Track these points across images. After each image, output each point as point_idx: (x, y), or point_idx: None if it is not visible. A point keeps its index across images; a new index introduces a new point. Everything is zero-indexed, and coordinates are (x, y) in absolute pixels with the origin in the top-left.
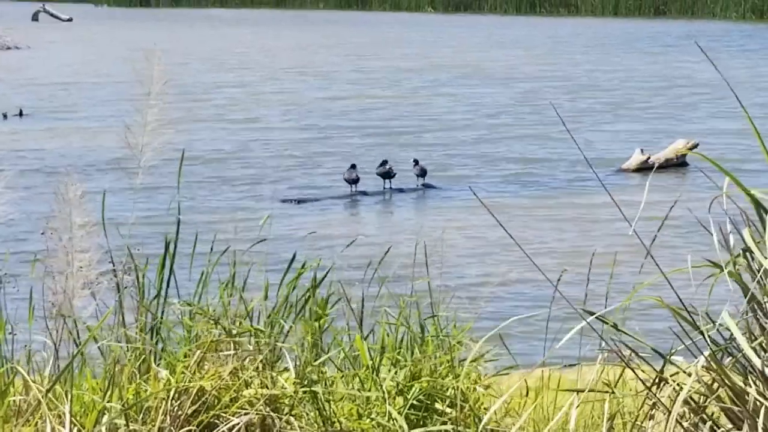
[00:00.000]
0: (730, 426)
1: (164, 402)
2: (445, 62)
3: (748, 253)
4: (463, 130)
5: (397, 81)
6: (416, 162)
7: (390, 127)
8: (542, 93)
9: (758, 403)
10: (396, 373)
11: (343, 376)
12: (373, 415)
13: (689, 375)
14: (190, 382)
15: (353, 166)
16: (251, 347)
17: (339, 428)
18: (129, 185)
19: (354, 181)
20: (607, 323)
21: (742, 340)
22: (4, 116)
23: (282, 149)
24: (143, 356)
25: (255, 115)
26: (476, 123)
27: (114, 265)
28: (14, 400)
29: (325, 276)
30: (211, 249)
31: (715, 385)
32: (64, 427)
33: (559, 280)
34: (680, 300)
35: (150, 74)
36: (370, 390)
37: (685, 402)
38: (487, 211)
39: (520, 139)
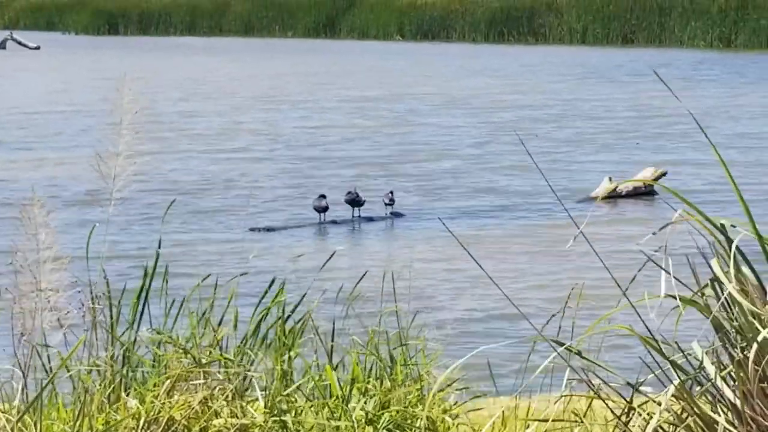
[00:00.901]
0: None
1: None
2: (420, 91)
3: (716, 283)
4: (436, 160)
5: (371, 110)
6: (391, 192)
7: (363, 157)
8: (516, 122)
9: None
10: (365, 402)
11: (312, 405)
12: None
13: (659, 404)
14: (159, 411)
15: (322, 196)
16: (221, 376)
17: None
18: (99, 217)
19: (323, 210)
20: (576, 353)
21: (711, 370)
22: None
23: (253, 178)
24: (113, 386)
25: (228, 145)
26: (450, 153)
27: (93, 295)
28: None
29: (296, 307)
30: (170, 283)
31: (685, 414)
32: None
33: (548, 321)
34: (648, 330)
35: (122, 103)
36: (339, 419)
37: (655, 431)
38: (457, 241)
39: (492, 169)
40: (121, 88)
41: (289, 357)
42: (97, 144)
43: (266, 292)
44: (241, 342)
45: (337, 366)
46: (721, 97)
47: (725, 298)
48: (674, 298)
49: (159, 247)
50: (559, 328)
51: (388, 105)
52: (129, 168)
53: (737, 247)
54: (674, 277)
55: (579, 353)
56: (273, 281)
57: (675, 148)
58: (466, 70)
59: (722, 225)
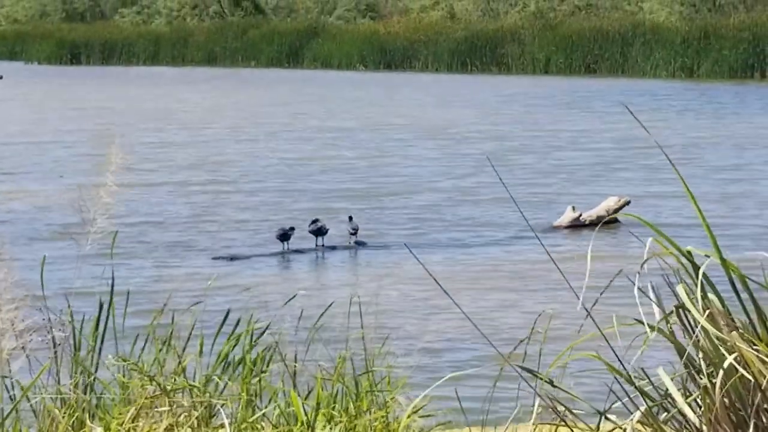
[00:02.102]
0: None
1: None
2: (394, 122)
3: (681, 310)
4: (405, 191)
5: (343, 140)
6: (350, 218)
7: (334, 188)
8: (487, 152)
9: None
10: (331, 429)
11: None
12: None
13: (625, 430)
14: None
15: (290, 228)
16: (186, 404)
17: None
18: (70, 250)
19: (286, 238)
20: (543, 380)
21: (677, 395)
22: None
23: (221, 209)
24: (77, 413)
25: (197, 175)
26: (418, 183)
27: (48, 320)
28: None
29: (262, 333)
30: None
31: None
32: None
33: (518, 345)
34: (617, 356)
35: (95, 135)
36: None
37: None
38: (421, 270)
39: (459, 198)
40: (93, 119)
41: (260, 382)
42: (69, 176)
43: (224, 320)
44: (209, 370)
45: (307, 396)
46: (688, 128)
47: (691, 324)
48: (642, 324)
49: (112, 276)
50: (525, 353)
51: (362, 136)
52: (101, 201)
53: (703, 274)
54: (658, 305)
55: (547, 380)
56: (228, 313)
57: (640, 178)
58: (435, 100)
59: (689, 252)
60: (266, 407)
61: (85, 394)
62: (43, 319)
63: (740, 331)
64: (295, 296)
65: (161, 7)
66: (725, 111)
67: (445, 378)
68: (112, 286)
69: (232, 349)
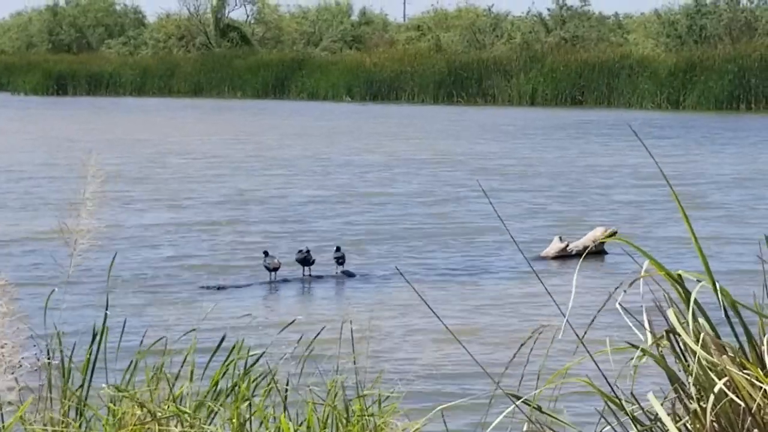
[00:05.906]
0: None
1: None
2: (423, 156)
3: (672, 335)
4: (396, 220)
5: (379, 175)
6: (338, 248)
7: (322, 218)
8: (483, 182)
9: None
10: None
11: None
12: None
13: None
14: None
15: (266, 253)
16: (177, 431)
17: None
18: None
19: (274, 269)
20: (532, 406)
21: (667, 421)
22: None
23: (206, 238)
24: None
25: (221, 212)
26: (409, 212)
27: (48, 350)
28: None
29: (256, 362)
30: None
31: None
32: None
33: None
34: (607, 381)
35: (82, 166)
36: None
37: None
38: (411, 298)
39: (448, 227)
40: (89, 153)
41: (250, 406)
42: (58, 206)
43: (217, 349)
44: (201, 397)
45: (301, 424)
46: (692, 161)
47: (681, 348)
48: (635, 347)
49: (107, 308)
50: (521, 379)
51: (397, 170)
52: (88, 235)
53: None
54: (648, 329)
55: (535, 406)
56: (223, 338)
57: (627, 210)
58: (443, 131)
59: (679, 275)
60: None
61: (75, 421)
62: (34, 346)
63: (730, 354)
64: (294, 321)
65: (147, 38)
66: (709, 142)
67: (436, 410)
68: (106, 314)
69: (222, 376)
